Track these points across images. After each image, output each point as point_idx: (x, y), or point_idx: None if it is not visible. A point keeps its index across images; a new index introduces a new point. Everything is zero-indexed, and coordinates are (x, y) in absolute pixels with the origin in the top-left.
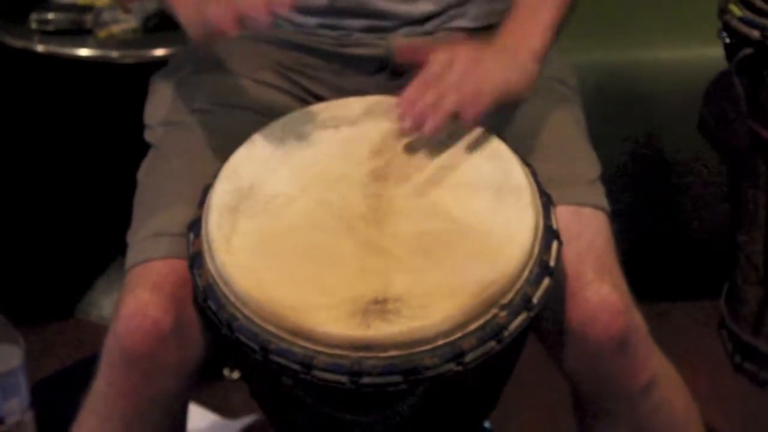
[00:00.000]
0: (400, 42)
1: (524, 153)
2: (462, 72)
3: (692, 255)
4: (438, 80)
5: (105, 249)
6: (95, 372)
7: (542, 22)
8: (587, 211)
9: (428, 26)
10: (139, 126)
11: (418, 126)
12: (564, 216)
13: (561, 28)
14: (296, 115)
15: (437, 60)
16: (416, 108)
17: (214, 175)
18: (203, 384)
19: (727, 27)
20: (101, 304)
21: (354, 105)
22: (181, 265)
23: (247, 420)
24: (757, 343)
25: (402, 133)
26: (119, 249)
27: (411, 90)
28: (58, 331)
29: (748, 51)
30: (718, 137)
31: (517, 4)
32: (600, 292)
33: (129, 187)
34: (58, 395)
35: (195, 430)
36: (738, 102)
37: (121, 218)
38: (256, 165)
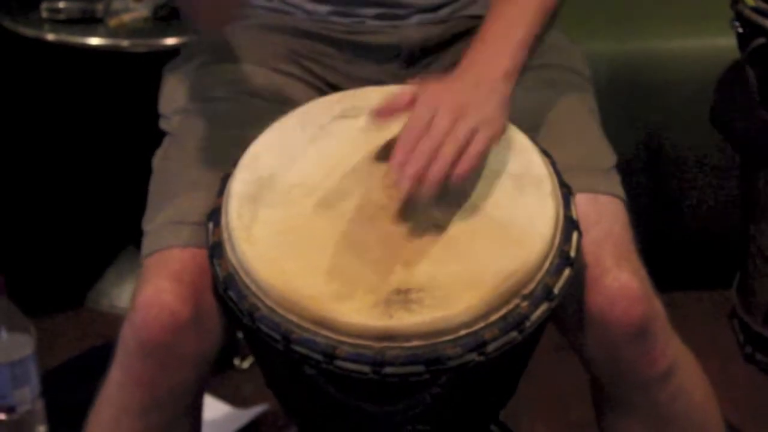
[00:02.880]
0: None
1: (539, 143)
2: (450, 119)
3: (704, 245)
4: (427, 135)
5: (115, 238)
6: (111, 361)
7: (515, 39)
8: (604, 199)
9: (441, 13)
10: (150, 115)
11: (417, 181)
12: (581, 204)
13: (538, 43)
14: (315, 104)
15: (421, 109)
16: (412, 171)
17: (233, 164)
18: (214, 373)
19: (739, 17)
20: (111, 293)
21: (373, 95)
22: (199, 254)
23: (258, 409)
24: None
25: (400, 192)
26: (129, 238)
27: (402, 144)
28: (69, 321)
29: (761, 41)
30: (730, 127)
31: (490, 17)
32: (619, 278)
33: (139, 176)
34: (68, 384)
35: (206, 420)
36: (750, 92)
37: (132, 208)
38: (276, 154)
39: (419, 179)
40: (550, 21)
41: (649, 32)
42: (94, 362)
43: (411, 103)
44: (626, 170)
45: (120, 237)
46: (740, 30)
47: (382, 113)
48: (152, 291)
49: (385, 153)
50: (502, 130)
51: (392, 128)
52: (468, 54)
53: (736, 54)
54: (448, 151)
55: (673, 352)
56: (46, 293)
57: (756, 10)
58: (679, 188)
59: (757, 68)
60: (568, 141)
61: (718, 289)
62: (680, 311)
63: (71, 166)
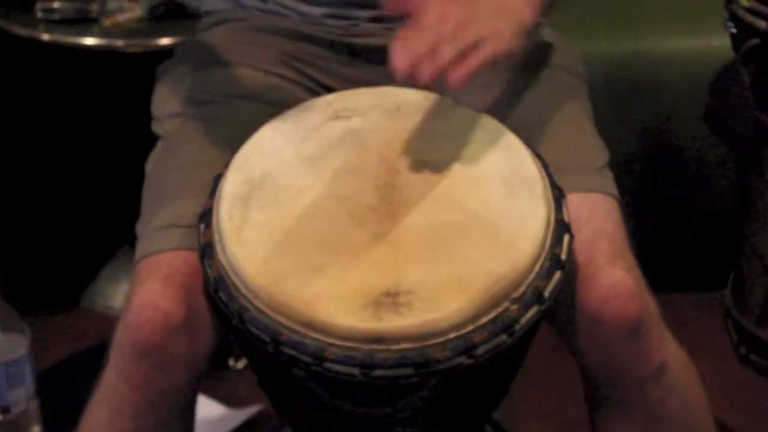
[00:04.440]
0: None
1: (532, 142)
2: (457, 23)
3: (698, 245)
4: (431, 30)
5: (110, 238)
6: (105, 363)
7: None
8: (597, 197)
9: None
10: (145, 115)
11: (411, 72)
12: (574, 202)
13: None
14: (307, 105)
15: (429, 10)
16: (410, 53)
17: (225, 165)
18: (208, 374)
19: (733, 17)
20: (106, 293)
21: (365, 96)
22: (192, 257)
23: (252, 409)
24: (763, 335)
25: (396, 79)
26: (124, 238)
27: (403, 35)
28: (64, 321)
29: (755, 41)
30: (725, 127)
31: None
32: (613, 276)
33: (134, 176)
34: (63, 384)
35: (201, 420)
36: (744, 92)
37: (126, 208)
38: (267, 155)
39: (414, 68)
40: None
41: (644, 32)
42: (89, 362)
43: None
44: (621, 170)
45: (115, 237)
46: (734, 30)
47: (390, 5)
48: (145, 293)
49: (377, 154)
50: (511, 50)
51: (387, 129)
52: None
53: (731, 54)
54: (446, 50)
55: (667, 350)
56: (41, 293)
57: (750, 10)
58: (674, 188)
59: (751, 68)
60: (560, 140)
61: (712, 290)
62: (674, 312)
63: (66, 166)
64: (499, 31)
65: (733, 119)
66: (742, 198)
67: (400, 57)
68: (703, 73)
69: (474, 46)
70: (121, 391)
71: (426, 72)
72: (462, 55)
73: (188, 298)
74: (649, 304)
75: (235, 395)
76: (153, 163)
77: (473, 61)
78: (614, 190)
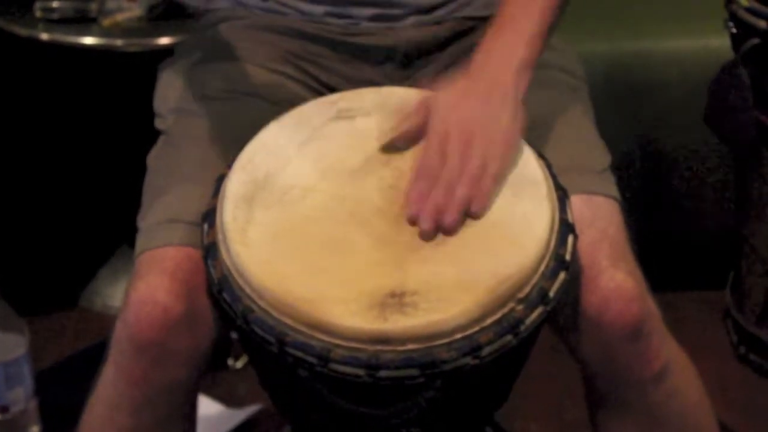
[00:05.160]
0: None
1: (534, 144)
2: (459, 151)
3: (698, 245)
4: (437, 173)
5: (109, 238)
6: (104, 359)
7: (529, 29)
8: (599, 200)
9: (436, 15)
10: (144, 114)
11: (438, 225)
12: (576, 205)
13: (550, 35)
14: (310, 105)
15: (429, 147)
16: (429, 206)
17: (229, 165)
18: (208, 373)
19: (733, 17)
20: (105, 293)
21: (369, 96)
22: (194, 253)
23: (252, 409)
24: (762, 334)
25: (422, 235)
26: (123, 238)
27: (416, 186)
28: (62, 320)
29: (755, 41)
30: (724, 128)
31: (503, 6)
32: (615, 279)
33: (133, 176)
34: (62, 384)
35: (200, 419)
36: (744, 92)
37: (126, 207)
38: (271, 155)
39: (438, 221)
40: (563, 9)
41: (644, 32)
42: (88, 362)
43: (421, 111)
44: (621, 170)
45: (114, 236)
46: (734, 30)
47: (398, 140)
48: (145, 288)
49: (381, 155)
50: (513, 146)
51: (388, 130)
52: (482, 46)
53: (731, 54)
54: (460, 191)
55: (668, 353)
56: (39, 293)
57: (750, 10)
58: (673, 188)
59: (751, 68)
60: (562, 142)
61: (711, 290)
62: (674, 312)
63: (65, 166)
64: (499, 139)
65: (732, 119)
66: (742, 198)
67: (423, 219)
68: (703, 74)
69: (482, 168)
70: (119, 388)
71: (450, 219)
72: (473, 186)
73: (188, 294)
74: (650, 307)
75: (234, 395)
76: (154, 158)
77: (486, 184)
78: (616, 193)
